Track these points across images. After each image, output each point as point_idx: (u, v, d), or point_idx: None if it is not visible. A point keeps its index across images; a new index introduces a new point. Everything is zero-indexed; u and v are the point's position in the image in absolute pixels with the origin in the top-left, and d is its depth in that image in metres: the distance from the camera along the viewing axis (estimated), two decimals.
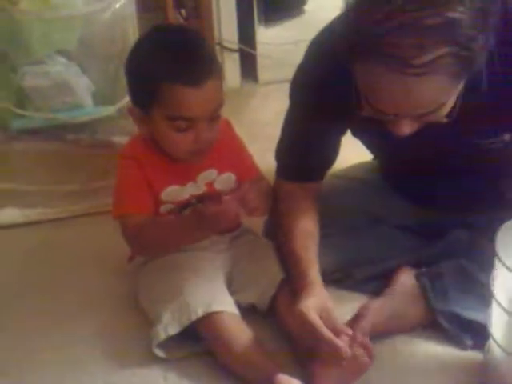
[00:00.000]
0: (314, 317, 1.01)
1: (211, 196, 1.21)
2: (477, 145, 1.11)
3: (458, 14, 0.86)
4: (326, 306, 1.04)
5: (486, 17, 0.90)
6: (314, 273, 1.11)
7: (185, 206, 1.21)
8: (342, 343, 0.99)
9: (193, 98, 1.09)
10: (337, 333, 1.01)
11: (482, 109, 1.04)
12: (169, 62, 1.09)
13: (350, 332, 1.02)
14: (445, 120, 1.00)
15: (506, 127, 1.10)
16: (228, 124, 1.26)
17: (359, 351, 1.02)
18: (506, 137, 1.11)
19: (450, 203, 1.21)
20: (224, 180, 1.24)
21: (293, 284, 1.13)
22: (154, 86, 1.09)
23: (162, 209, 1.20)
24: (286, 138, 1.24)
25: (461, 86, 0.97)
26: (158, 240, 1.18)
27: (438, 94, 0.94)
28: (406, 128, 1.00)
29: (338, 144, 1.23)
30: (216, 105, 1.13)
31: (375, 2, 0.90)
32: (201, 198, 1.22)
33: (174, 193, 1.20)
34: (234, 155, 1.25)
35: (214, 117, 1.13)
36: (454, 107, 0.99)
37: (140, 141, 1.21)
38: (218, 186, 1.23)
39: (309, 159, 1.21)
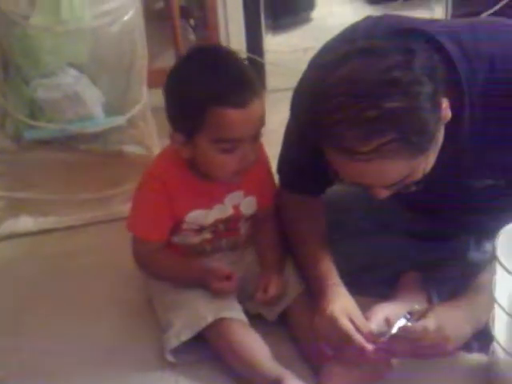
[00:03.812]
0: (346, 322, 1.04)
1: (233, 223, 1.25)
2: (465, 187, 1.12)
3: (397, 103, 0.90)
4: (354, 310, 1.07)
5: (435, 98, 0.94)
6: (335, 274, 1.14)
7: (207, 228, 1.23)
8: (371, 348, 1.02)
9: (240, 120, 1.08)
10: (365, 337, 1.03)
11: (465, 160, 1.07)
12: (214, 85, 1.06)
13: (381, 339, 1.03)
14: (413, 188, 1.03)
15: (489, 175, 1.11)
16: (260, 145, 1.21)
17: (382, 358, 1.04)
18: (489, 182, 1.12)
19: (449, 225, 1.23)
20: (248, 203, 1.25)
21: (312, 285, 1.16)
22: (200, 110, 1.07)
23: (184, 226, 1.22)
24: (285, 151, 1.26)
25: (429, 156, 0.99)
26: (162, 274, 1.24)
27: (398, 171, 0.98)
28: (381, 194, 1.03)
29: None
30: (261, 123, 1.12)
31: (320, 99, 0.96)
32: (225, 222, 1.23)
33: (199, 217, 1.21)
34: (260, 179, 1.24)
35: (257, 135, 1.13)
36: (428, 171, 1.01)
37: (170, 161, 1.19)
38: (243, 209, 1.24)
39: (309, 176, 1.20)
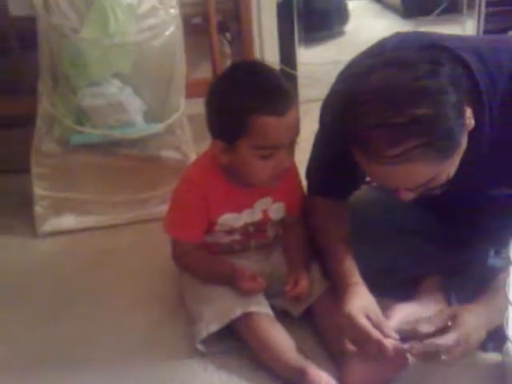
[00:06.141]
0: (363, 319, 1.09)
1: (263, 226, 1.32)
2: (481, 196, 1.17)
3: (424, 111, 0.96)
4: (372, 307, 1.13)
5: (460, 106, 1.00)
6: (356, 273, 1.19)
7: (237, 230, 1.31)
8: (388, 344, 1.07)
9: (279, 127, 1.15)
10: (383, 334, 1.08)
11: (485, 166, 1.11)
12: (256, 95, 1.14)
13: (397, 336, 1.09)
14: (437, 191, 1.08)
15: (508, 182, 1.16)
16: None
17: (401, 353, 1.09)
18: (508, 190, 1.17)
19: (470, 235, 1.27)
20: (276, 209, 1.32)
21: (336, 283, 1.22)
22: (243, 119, 1.15)
23: (217, 228, 1.30)
24: (313, 159, 1.33)
25: (453, 160, 1.05)
26: (197, 272, 1.31)
27: (423, 175, 1.03)
28: (406, 195, 1.09)
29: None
30: (297, 130, 1.20)
31: (351, 106, 1.02)
32: (254, 225, 1.31)
33: (230, 220, 1.29)
34: (288, 186, 1.31)
35: (293, 143, 1.21)
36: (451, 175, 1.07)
37: (205, 166, 1.28)
38: (271, 214, 1.32)
39: (335, 181, 1.26)
